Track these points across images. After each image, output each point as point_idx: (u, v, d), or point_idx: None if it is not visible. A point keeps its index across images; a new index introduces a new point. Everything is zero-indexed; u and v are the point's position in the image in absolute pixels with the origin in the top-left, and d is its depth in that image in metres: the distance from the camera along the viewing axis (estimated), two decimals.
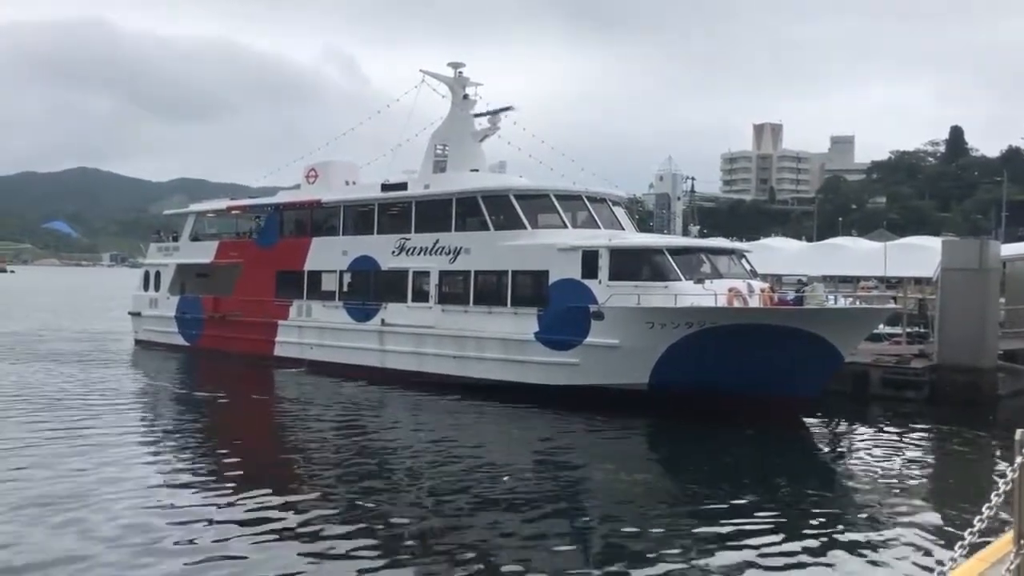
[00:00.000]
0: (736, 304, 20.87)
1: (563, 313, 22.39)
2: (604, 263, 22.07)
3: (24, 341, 36.25)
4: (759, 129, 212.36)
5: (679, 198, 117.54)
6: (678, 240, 27.51)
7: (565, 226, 24.52)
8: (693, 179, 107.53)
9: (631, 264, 22.14)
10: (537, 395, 22.17)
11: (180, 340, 34.27)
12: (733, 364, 19.87)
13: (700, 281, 21.31)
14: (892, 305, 23.10)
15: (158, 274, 36.42)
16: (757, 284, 22.75)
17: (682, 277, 21.40)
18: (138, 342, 36.33)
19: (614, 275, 21.89)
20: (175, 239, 37.26)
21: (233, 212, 35.61)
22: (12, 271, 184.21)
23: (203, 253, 34.90)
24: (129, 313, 37.97)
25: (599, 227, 24.75)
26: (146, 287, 37.03)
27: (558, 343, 22.44)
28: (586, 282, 22.19)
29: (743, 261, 24.07)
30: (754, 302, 21.41)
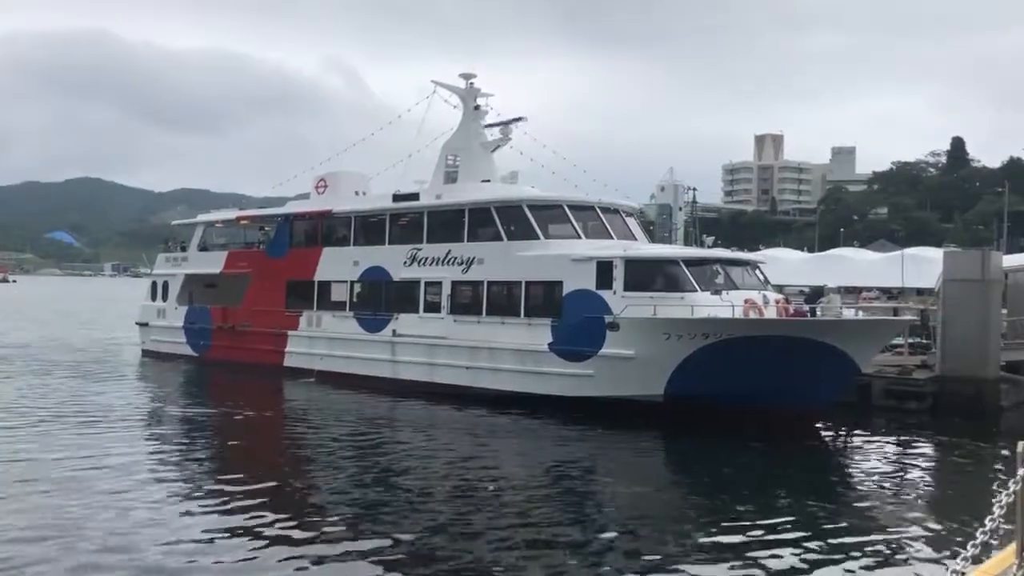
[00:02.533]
0: (752, 315, 20.92)
1: (578, 324, 22.36)
2: (619, 274, 22.09)
3: (30, 353, 36.09)
4: (760, 140, 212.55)
5: (680, 208, 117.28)
6: (693, 251, 27.48)
7: (578, 236, 24.48)
8: (695, 189, 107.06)
9: (646, 275, 22.16)
10: (550, 406, 22.17)
11: (188, 350, 34.28)
12: (749, 375, 19.84)
13: (718, 292, 21.30)
14: (909, 316, 23.15)
15: (166, 284, 36.45)
16: (772, 295, 22.78)
17: (698, 288, 21.42)
18: (145, 352, 36.32)
19: (629, 286, 21.89)
20: (183, 249, 37.42)
21: (242, 222, 35.68)
22: (14, 281, 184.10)
23: (212, 263, 34.94)
24: (136, 323, 38.00)
25: (612, 237, 24.78)
26: (154, 297, 37.01)
27: (573, 354, 22.41)
28: (600, 293, 22.19)
29: (757, 272, 24.06)
30: (769, 313, 21.46)
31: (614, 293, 22.01)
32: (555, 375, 22.75)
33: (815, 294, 25.62)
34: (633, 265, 22.25)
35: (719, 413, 19.90)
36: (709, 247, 33.05)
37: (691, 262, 22.49)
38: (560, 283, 23.17)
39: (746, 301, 21.13)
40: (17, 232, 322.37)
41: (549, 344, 22.97)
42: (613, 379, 21.73)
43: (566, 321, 22.78)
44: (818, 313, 21.26)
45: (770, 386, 19.81)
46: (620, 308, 21.64)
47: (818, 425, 21.28)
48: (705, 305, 20.74)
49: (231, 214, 36.19)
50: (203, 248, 36.31)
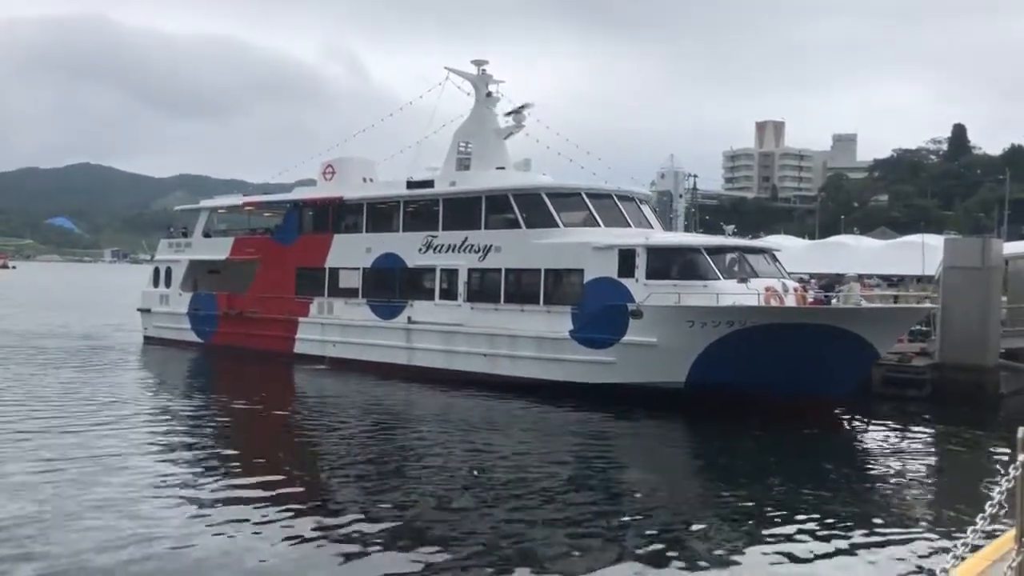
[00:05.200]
0: (773, 303, 21.08)
1: (600, 311, 22.46)
2: (641, 262, 22.21)
3: (30, 339, 35.77)
4: (761, 127, 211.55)
5: (681, 195, 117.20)
6: (714, 239, 27.55)
7: (597, 224, 24.50)
8: (695, 177, 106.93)
9: (669, 263, 22.28)
10: (568, 393, 22.32)
11: (193, 337, 34.23)
12: (772, 363, 19.98)
13: (744, 280, 21.42)
14: (929, 304, 23.29)
15: (169, 270, 36.28)
16: (790, 283, 22.96)
17: (720, 276, 21.59)
18: (147, 339, 36.16)
19: (651, 274, 22.02)
20: (184, 235, 37.26)
21: (247, 208, 35.53)
22: (14, 267, 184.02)
23: (218, 249, 34.82)
24: (138, 309, 37.72)
25: (629, 225, 24.88)
26: (156, 283, 36.82)
27: (594, 341, 22.52)
28: (623, 280, 22.32)
29: (775, 260, 24.18)
30: (789, 301, 21.66)
31: (636, 281, 22.12)
32: (576, 362, 22.86)
33: (830, 283, 25.92)
34: (655, 253, 22.36)
35: (740, 400, 20.06)
36: (729, 236, 32.95)
37: (713, 250, 22.63)
38: (581, 271, 23.26)
39: (767, 289, 21.31)
40: (17, 218, 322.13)
41: (570, 331, 23.07)
42: (635, 366, 21.85)
43: (587, 308, 22.84)
44: (838, 301, 21.43)
45: (792, 374, 19.97)
46: (643, 296, 21.75)
47: (837, 412, 21.42)
48: (730, 293, 20.87)
49: (236, 200, 36.05)
50: (205, 234, 36.17)
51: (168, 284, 36.23)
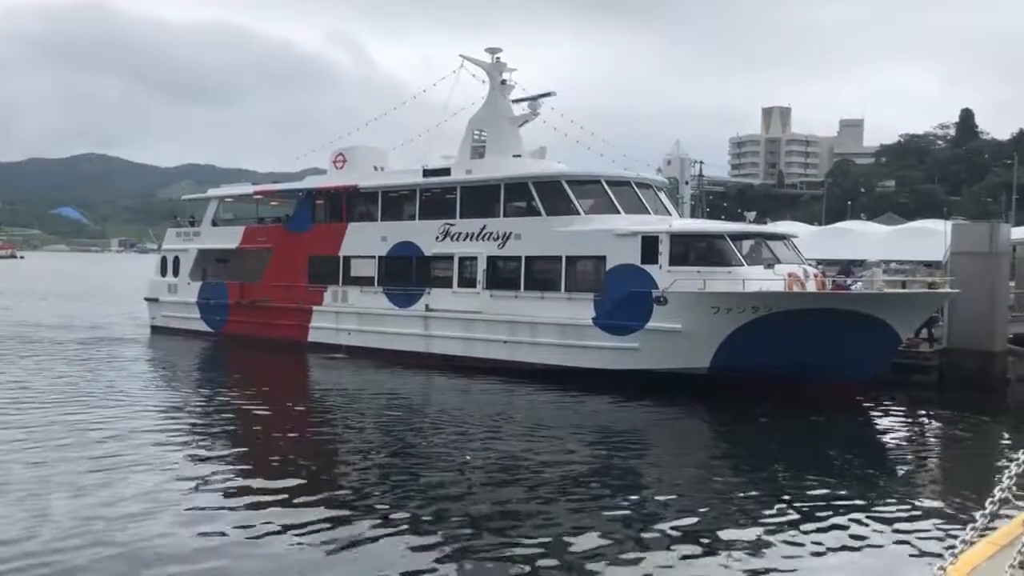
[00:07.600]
0: (796, 289, 21.20)
1: (624, 298, 22.56)
2: (664, 248, 22.30)
3: (38, 329, 35.61)
4: (767, 113, 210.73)
5: (687, 182, 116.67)
6: (737, 225, 27.46)
7: (617, 211, 24.51)
8: (701, 163, 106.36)
9: (692, 249, 22.41)
10: (590, 379, 22.44)
11: (203, 326, 34.18)
12: (796, 348, 20.12)
13: (770, 266, 21.57)
14: (951, 289, 23.47)
15: (176, 259, 36.20)
16: (810, 269, 23.12)
17: (744, 262, 21.70)
18: (155, 328, 36.06)
19: (675, 260, 22.13)
20: (192, 224, 37.27)
21: (258, 197, 35.48)
22: (22, 257, 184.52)
23: (228, 238, 34.74)
24: (145, 299, 37.63)
25: (648, 212, 24.93)
26: (163, 272, 36.75)
27: (618, 328, 22.63)
28: (646, 267, 22.42)
29: (794, 246, 24.28)
30: (810, 287, 21.81)
31: (660, 268, 22.22)
32: (599, 348, 22.98)
33: (846, 268, 26.14)
34: (679, 239, 22.47)
35: (763, 386, 20.18)
36: (750, 223, 32.96)
37: (735, 236, 22.76)
38: (603, 258, 23.36)
39: (790, 275, 21.43)
40: (23, 208, 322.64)
41: (593, 318, 23.16)
42: (659, 352, 21.99)
43: (610, 295, 22.93)
44: (859, 286, 21.58)
45: (816, 359, 20.11)
46: (667, 282, 21.85)
47: (859, 398, 21.46)
48: (755, 279, 21.00)
49: (247, 188, 35.98)
50: (214, 223, 36.08)
51: (176, 273, 36.15)
